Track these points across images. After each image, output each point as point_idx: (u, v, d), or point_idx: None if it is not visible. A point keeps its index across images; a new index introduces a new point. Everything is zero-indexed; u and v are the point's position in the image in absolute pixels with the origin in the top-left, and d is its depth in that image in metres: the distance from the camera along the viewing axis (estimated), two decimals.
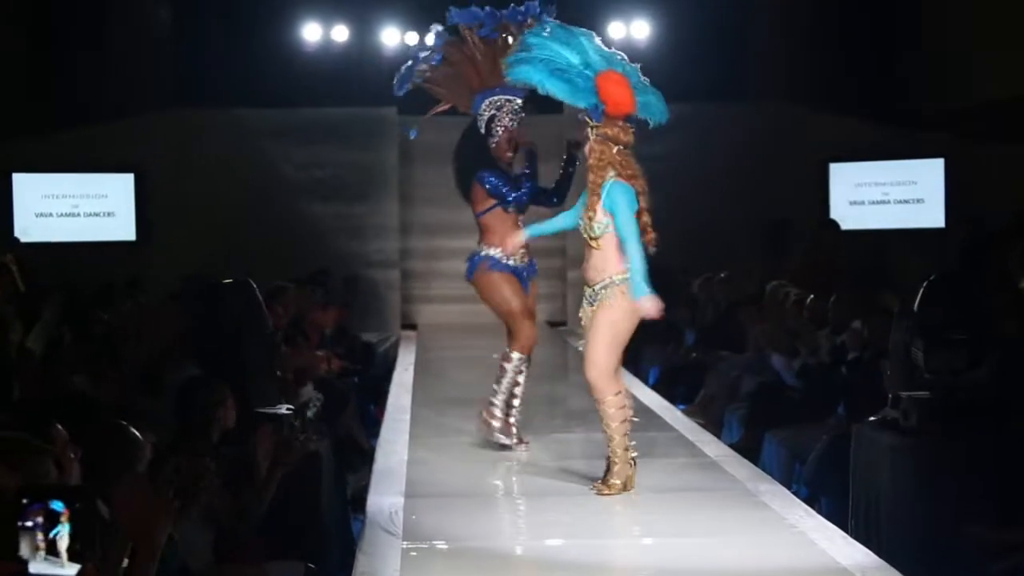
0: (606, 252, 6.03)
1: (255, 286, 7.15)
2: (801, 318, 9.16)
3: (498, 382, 7.13)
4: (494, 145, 7.02)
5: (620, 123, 6.03)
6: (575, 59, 6.06)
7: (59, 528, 3.14)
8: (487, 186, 7.00)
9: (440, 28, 7.11)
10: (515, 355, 7.12)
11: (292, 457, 5.42)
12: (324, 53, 15.27)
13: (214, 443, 5.41)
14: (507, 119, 7.00)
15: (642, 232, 6.00)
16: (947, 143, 13.19)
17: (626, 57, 6.31)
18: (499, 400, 7.10)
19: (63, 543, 3.15)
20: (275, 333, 7.94)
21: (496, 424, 7.07)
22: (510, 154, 7.06)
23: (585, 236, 6.09)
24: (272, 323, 7.66)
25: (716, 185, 13.79)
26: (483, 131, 7.07)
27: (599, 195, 5.98)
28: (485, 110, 7.07)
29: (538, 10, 6.80)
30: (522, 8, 6.92)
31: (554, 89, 6.03)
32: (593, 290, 6.09)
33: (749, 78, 14.75)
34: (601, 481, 6.07)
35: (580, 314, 6.26)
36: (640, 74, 6.26)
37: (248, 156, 13.97)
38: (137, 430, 4.64)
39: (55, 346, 7.56)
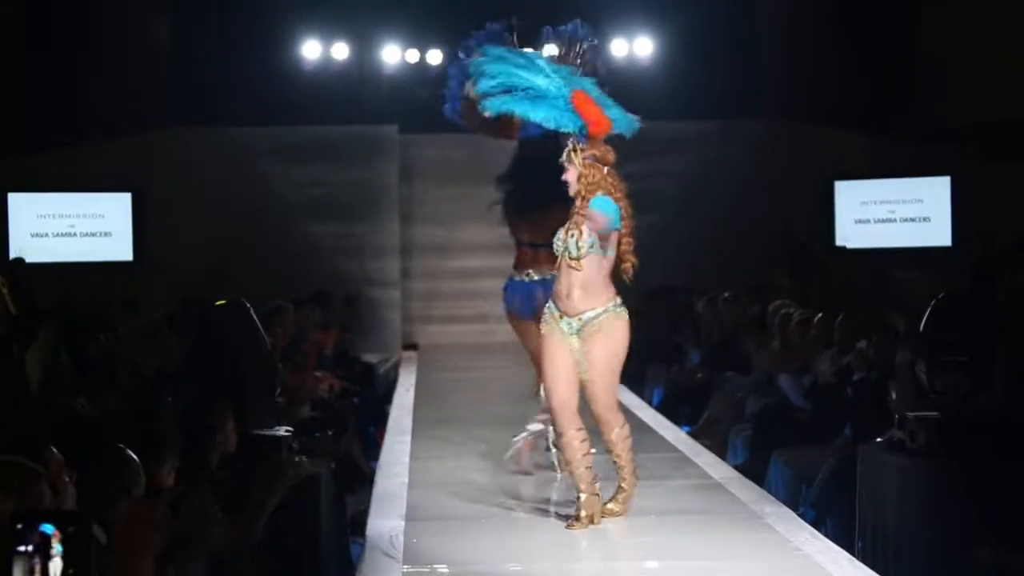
0: (589, 276, 5.74)
1: (250, 307, 7.08)
2: (806, 338, 9.09)
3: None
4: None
5: (602, 143, 5.83)
6: (542, 82, 5.80)
7: (52, 553, 3.09)
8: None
9: (461, 56, 6.84)
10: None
11: (287, 482, 5.33)
12: (324, 71, 15.24)
13: (213, 468, 5.34)
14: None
15: (621, 259, 5.75)
16: (954, 161, 13.15)
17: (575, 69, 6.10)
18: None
19: (55, 567, 3.09)
20: (273, 354, 7.87)
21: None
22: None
23: (565, 258, 5.75)
24: (270, 344, 7.59)
25: (721, 203, 13.74)
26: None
27: (585, 209, 5.70)
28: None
29: (501, 30, 6.56)
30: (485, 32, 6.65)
31: (540, 117, 5.75)
32: (579, 320, 5.76)
33: (754, 96, 14.72)
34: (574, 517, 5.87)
35: (552, 341, 5.84)
36: (596, 87, 6.03)
37: (247, 175, 13.92)
38: (136, 454, 4.58)
39: (52, 368, 7.49)
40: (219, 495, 5.09)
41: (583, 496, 5.80)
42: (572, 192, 5.76)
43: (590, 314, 5.76)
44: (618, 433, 5.92)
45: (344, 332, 11.70)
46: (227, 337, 6.82)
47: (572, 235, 5.72)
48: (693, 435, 8.88)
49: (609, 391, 5.91)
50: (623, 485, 6.01)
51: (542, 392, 7.03)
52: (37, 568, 3.13)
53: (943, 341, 6.79)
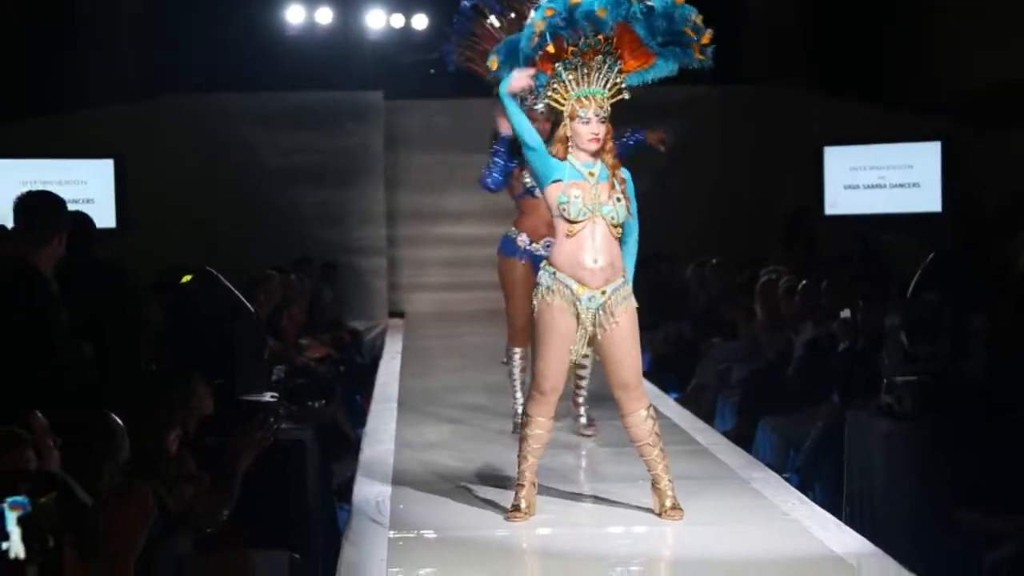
0: (618, 244, 5.32)
1: (217, 274, 7.02)
2: (792, 305, 9.08)
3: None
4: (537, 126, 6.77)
5: None
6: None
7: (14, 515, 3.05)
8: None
9: (465, 5, 6.84)
10: (515, 351, 7.10)
11: (261, 444, 5.29)
12: (308, 36, 15.13)
13: (192, 433, 5.31)
14: (538, 99, 6.67)
15: None
16: (944, 127, 13.12)
17: None
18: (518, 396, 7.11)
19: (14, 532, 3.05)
20: (259, 319, 7.84)
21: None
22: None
23: (608, 223, 5.24)
24: (255, 311, 7.55)
25: (708, 170, 13.71)
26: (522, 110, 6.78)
27: (623, 179, 5.31)
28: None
29: None
30: None
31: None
32: (603, 292, 5.28)
33: (742, 61, 14.66)
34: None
35: (559, 320, 5.30)
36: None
37: (230, 142, 13.83)
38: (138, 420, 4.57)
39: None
40: (202, 462, 5.07)
41: (525, 487, 5.45)
42: (599, 148, 5.26)
43: (614, 285, 5.29)
44: (650, 412, 5.45)
45: (312, 306, 11.56)
46: (199, 309, 6.78)
47: (619, 199, 5.25)
48: (681, 402, 8.87)
49: (640, 366, 5.46)
50: (666, 478, 5.47)
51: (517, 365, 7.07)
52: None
53: (926, 307, 6.81)
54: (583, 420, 7.14)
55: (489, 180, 6.78)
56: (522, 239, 6.97)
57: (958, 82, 12.99)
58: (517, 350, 7.12)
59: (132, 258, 7.63)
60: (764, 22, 14.84)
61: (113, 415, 4.54)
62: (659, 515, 5.41)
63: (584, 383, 7.10)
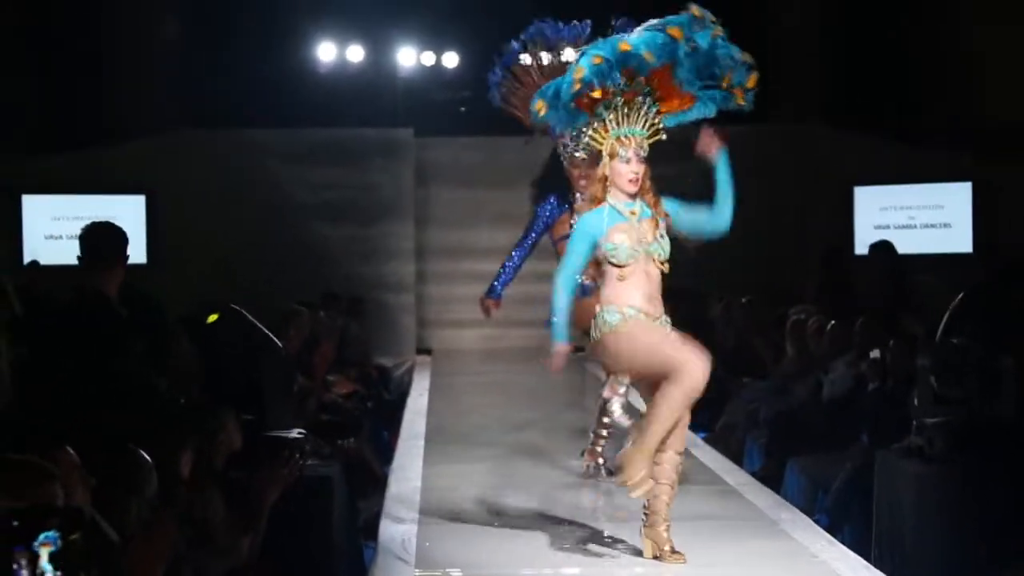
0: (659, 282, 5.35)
1: (242, 311, 7.05)
2: (821, 345, 9.03)
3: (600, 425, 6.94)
4: (567, 169, 6.81)
5: None
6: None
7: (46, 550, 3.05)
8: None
9: (515, 46, 6.88)
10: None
11: (287, 480, 5.29)
12: (339, 73, 15.20)
13: (220, 469, 5.31)
14: (574, 144, 6.63)
15: None
16: (975, 167, 13.06)
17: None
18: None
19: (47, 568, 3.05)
20: (287, 355, 7.85)
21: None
22: (582, 181, 6.57)
23: (652, 261, 5.27)
24: (283, 346, 7.57)
25: (739, 207, 13.64)
26: (561, 156, 6.77)
27: (665, 214, 5.33)
28: (564, 133, 6.52)
29: (587, 30, 6.62)
30: (572, 26, 6.72)
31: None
32: (662, 319, 5.33)
33: (772, 100, 14.64)
34: None
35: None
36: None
37: (261, 177, 13.89)
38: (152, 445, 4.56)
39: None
40: (229, 496, 5.06)
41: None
42: (639, 188, 5.28)
43: (660, 321, 5.33)
44: (682, 454, 5.47)
45: (340, 342, 11.56)
46: (227, 347, 6.80)
47: (663, 235, 5.27)
48: (709, 441, 8.82)
49: None
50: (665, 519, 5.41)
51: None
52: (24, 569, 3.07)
53: (955, 348, 6.77)
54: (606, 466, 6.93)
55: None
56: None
57: (989, 122, 12.93)
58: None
59: (162, 293, 7.66)
60: (794, 61, 14.82)
61: (141, 452, 4.55)
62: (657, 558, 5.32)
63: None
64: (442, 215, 14.41)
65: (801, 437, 8.24)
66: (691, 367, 5.15)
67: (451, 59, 15.12)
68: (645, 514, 5.36)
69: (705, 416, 9.86)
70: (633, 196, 5.28)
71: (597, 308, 5.31)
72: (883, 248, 10.41)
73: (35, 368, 5.83)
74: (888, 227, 13.39)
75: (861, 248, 13.37)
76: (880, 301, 9.47)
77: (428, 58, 15.23)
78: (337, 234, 14.03)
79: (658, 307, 5.28)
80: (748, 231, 13.77)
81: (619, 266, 5.23)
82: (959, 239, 13.05)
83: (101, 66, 14.08)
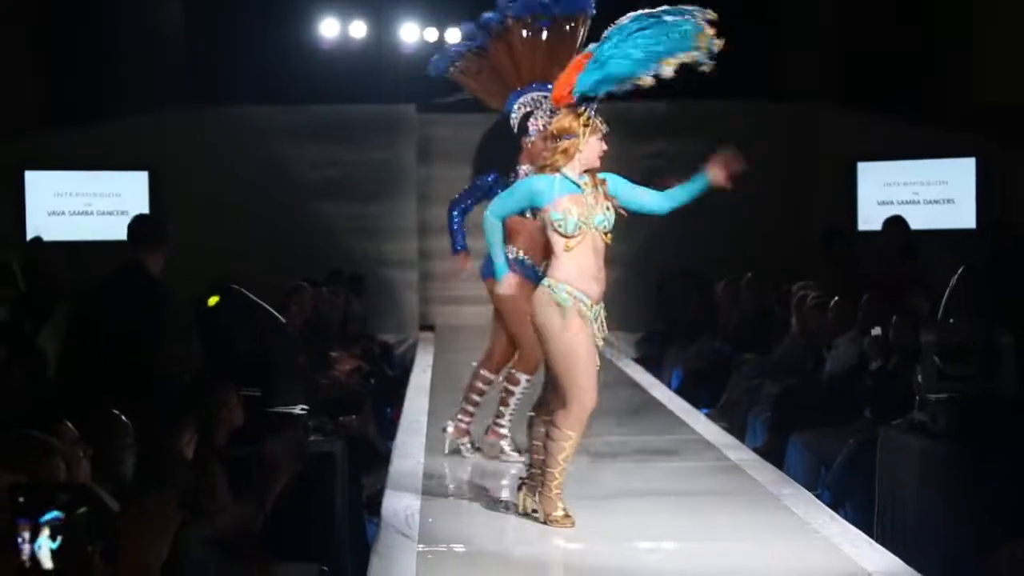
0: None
1: (242, 290, 7.07)
2: (823, 321, 9.01)
3: (505, 404, 6.98)
4: (528, 144, 6.81)
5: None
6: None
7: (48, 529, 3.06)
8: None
9: (489, 15, 6.89)
10: (523, 377, 6.96)
11: (293, 467, 5.31)
12: (342, 49, 15.17)
13: (221, 444, 5.32)
14: (543, 118, 6.73)
15: None
16: (979, 143, 13.02)
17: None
18: (506, 420, 7.00)
19: (46, 544, 3.06)
20: (292, 332, 7.85)
21: (505, 443, 6.98)
22: (546, 153, 6.75)
23: (596, 235, 5.38)
24: (287, 322, 7.56)
25: (742, 185, 13.59)
26: (516, 130, 6.86)
27: (603, 181, 5.45)
28: (519, 108, 6.80)
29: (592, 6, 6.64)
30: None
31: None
32: (600, 305, 5.45)
33: (775, 76, 14.61)
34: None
35: (584, 333, 5.38)
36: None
37: (264, 154, 13.86)
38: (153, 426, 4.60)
39: (69, 346, 7.47)
40: (231, 473, 5.07)
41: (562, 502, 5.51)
42: (594, 164, 5.44)
43: (599, 307, 5.45)
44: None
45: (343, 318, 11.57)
46: (230, 326, 6.83)
47: (608, 209, 5.40)
48: (712, 417, 8.83)
49: None
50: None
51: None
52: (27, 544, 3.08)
53: (958, 325, 6.76)
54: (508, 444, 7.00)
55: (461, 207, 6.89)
56: (528, 258, 6.73)
57: (993, 99, 12.89)
58: (524, 376, 6.91)
59: (166, 270, 7.66)
60: (799, 38, 14.78)
61: (122, 416, 4.58)
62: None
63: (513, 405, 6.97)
64: (444, 192, 14.35)
65: (804, 413, 8.23)
66: (587, 401, 5.36)
67: (454, 35, 15.05)
68: (534, 474, 5.57)
69: (709, 393, 9.89)
70: (584, 172, 5.43)
71: (547, 280, 5.41)
72: (895, 223, 10.39)
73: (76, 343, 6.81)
74: (892, 203, 13.36)
75: (864, 224, 13.36)
76: (890, 277, 9.43)
77: (431, 34, 15.19)
78: (339, 211, 14.02)
79: (602, 283, 5.40)
80: (752, 208, 13.93)
81: (566, 236, 5.33)
82: (963, 215, 13.02)
83: (103, 42, 14.04)
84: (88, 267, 12.03)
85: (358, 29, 15.19)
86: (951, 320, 6.77)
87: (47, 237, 12.68)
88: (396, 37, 15.21)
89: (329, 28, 15.18)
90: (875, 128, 13.62)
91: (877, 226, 11.78)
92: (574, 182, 5.40)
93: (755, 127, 13.72)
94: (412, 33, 15.15)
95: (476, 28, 6.91)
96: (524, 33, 6.81)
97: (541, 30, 6.77)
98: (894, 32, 14.00)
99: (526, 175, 6.49)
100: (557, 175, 5.41)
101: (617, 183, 5.51)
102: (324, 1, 15.16)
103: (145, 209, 13.46)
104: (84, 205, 13.69)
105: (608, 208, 5.41)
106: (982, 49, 13.25)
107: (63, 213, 13.64)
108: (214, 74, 14.43)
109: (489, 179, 6.94)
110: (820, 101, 14.10)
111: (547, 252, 5.51)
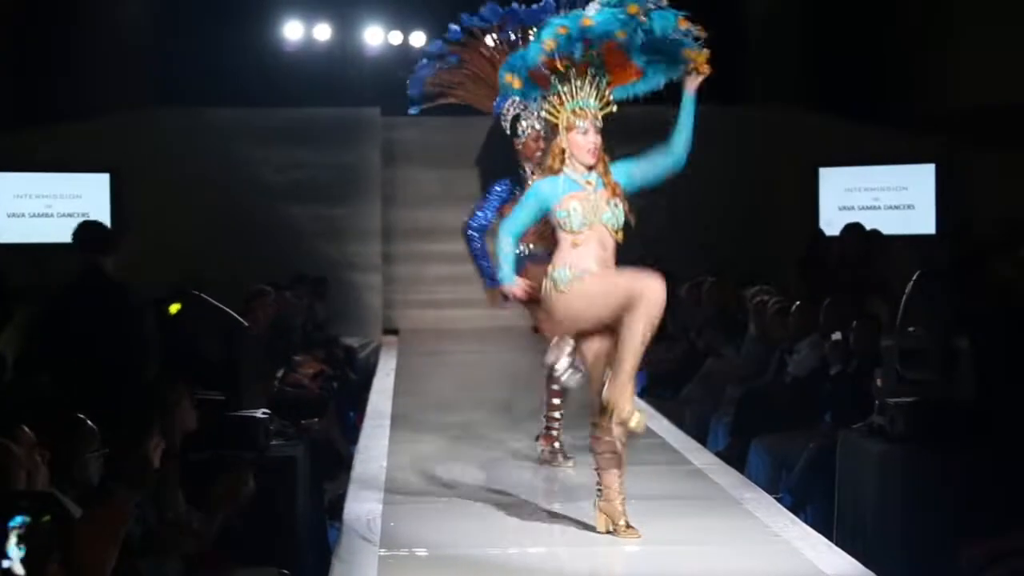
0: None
1: (202, 296, 7.06)
2: (784, 326, 9.05)
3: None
4: (520, 146, 6.80)
5: None
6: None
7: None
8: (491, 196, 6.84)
9: (455, 28, 6.89)
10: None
11: (248, 489, 5.29)
12: (306, 52, 15.13)
13: (175, 446, 5.27)
14: (534, 118, 6.72)
15: None
16: (939, 148, 13.14)
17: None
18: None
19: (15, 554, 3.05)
20: (256, 335, 7.84)
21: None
22: (539, 154, 6.65)
23: (606, 230, 5.34)
24: (248, 326, 7.54)
25: (703, 189, 13.69)
26: (508, 131, 6.83)
27: (617, 183, 5.38)
28: (509, 109, 6.73)
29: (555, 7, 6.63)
30: (540, 6, 6.71)
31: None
32: None
33: (737, 80, 14.66)
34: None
35: None
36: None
37: (227, 157, 13.80)
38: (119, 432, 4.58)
39: (28, 350, 7.44)
40: (189, 477, 5.04)
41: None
42: (594, 159, 5.37)
43: None
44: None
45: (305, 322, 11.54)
46: (192, 332, 6.83)
47: (616, 205, 5.35)
48: (667, 414, 8.80)
49: None
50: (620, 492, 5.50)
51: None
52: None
53: (916, 330, 6.83)
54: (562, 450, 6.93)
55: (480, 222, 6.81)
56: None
57: (953, 104, 13.00)
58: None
59: (127, 273, 7.63)
60: (762, 42, 14.85)
61: (87, 421, 4.56)
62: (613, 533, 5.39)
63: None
64: (409, 195, 14.38)
65: (766, 416, 8.28)
66: (649, 290, 5.19)
67: (419, 38, 15.04)
68: (599, 489, 5.43)
69: (672, 395, 9.92)
70: (590, 168, 5.36)
71: (549, 269, 5.37)
72: (854, 229, 10.49)
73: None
74: (853, 208, 13.46)
75: (826, 228, 13.44)
76: (850, 282, 9.51)
77: (395, 37, 15.18)
78: (304, 213, 13.98)
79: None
80: (714, 211, 13.94)
81: (572, 233, 5.31)
82: (923, 220, 13.14)
83: (67, 43, 13.94)
84: (48, 269, 11.99)
85: (322, 32, 15.16)
86: (910, 326, 6.84)
87: (6, 239, 12.58)
88: (360, 40, 15.18)
89: (293, 31, 15.14)
90: (836, 133, 13.71)
91: (838, 231, 11.87)
92: (576, 180, 5.35)
93: (718, 132, 13.77)
94: (376, 36, 15.13)
95: (444, 44, 6.89)
96: (495, 38, 6.81)
97: (513, 35, 6.78)
98: (857, 37, 14.09)
99: (531, 173, 6.52)
100: (561, 175, 5.38)
101: (621, 172, 5.40)
102: (288, 4, 15.12)
103: (107, 211, 13.40)
104: (44, 207, 13.57)
105: (617, 205, 5.34)
106: (943, 55, 13.35)
107: (23, 215, 13.53)
108: (177, 76, 14.34)
109: (504, 186, 6.84)
110: (782, 106, 14.17)
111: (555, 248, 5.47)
